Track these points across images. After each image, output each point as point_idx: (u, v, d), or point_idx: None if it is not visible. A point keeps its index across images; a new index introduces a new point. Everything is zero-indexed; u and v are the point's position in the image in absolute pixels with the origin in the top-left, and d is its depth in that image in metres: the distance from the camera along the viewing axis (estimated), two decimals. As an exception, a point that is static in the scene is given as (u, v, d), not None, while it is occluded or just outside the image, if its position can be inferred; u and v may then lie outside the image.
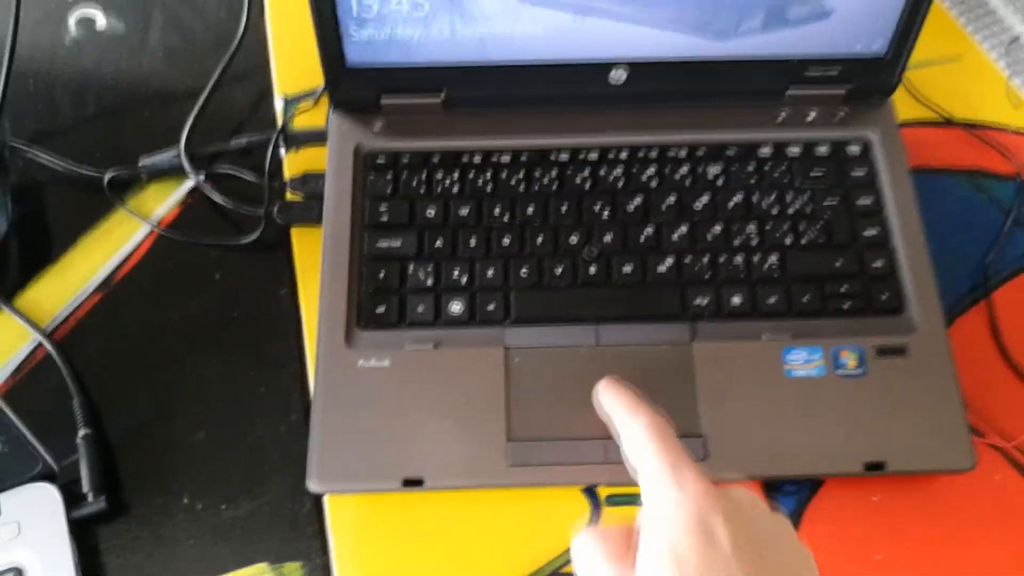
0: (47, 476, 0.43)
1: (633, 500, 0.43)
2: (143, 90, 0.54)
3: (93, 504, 0.42)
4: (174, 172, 0.50)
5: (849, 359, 0.44)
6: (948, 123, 0.54)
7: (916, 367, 0.44)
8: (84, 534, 0.42)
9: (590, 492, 0.44)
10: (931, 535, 0.43)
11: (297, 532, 0.43)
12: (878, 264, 0.46)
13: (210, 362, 0.46)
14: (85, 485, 0.43)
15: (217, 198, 0.49)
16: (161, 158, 0.50)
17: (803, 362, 0.44)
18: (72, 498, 0.42)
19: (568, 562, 0.42)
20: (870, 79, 0.49)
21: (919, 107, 0.54)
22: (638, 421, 0.35)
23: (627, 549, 0.33)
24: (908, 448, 0.42)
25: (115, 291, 0.48)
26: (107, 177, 0.50)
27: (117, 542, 0.42)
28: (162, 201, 0.50)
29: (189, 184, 0.50)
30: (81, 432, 0.44)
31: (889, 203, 0.48)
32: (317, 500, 0.43)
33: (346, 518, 0.43)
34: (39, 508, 0.42)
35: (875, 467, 0.42)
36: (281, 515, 0.43)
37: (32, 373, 0.46)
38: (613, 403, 0.38)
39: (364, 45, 0.46)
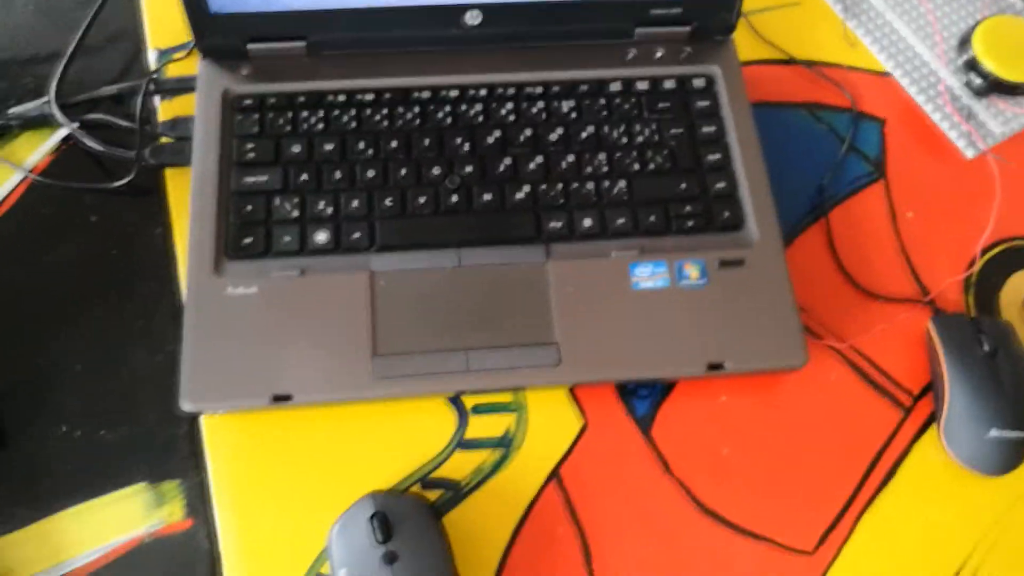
0: (-80, 412, 0.44)
1: (496, 408, 0.46)
2: (11, 45, 0.55)
3: (-32, 437, 0.44)
4: (46, 121, 0.51)
5: (692, 271, 0.48)
6: (790, 61, 0.58)
7: (754, 277, 0.48)
8: (-40, 467, 0.43)
9: (456, 402, 0.46)
10: (774, 430, 0.47)
11: (174, 453, 0.45)
12: (720, 185, 0.50)
13: (87, 300, 0.48)
14: (-40, 418, 0.44)
15: (90, 143, 0.50)
16: (30, 106, 0.51)
17: (649, 275, 0.47)
18: (-53, 432, 0.44)
19: (435, 468, 0.45)
20: (711, 18, 0.53)
21: (764, 47, 0.58)
22: None
23: None
24: (746, 349, 0.46)
25: (-11, 236, 0.49)
26: (-23, 128, 0.51)
27: (-6, 472, 0.44)
28: (34, 150, 0.51)
29: (62, 132, 0.52)
30: (-45, 369, 0.45)
31: (731, 131, 0.52)
32: (193, 422, 0.45)
33: (221, 437, 0.45)
34: (-88, 442, 0.43)
35: (716, 367, 0.45)
36: (158, 439, 0.45)
37: (-95, 318, 0.47)
38: None
39: (226, -9, 0.48)
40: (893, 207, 0.54)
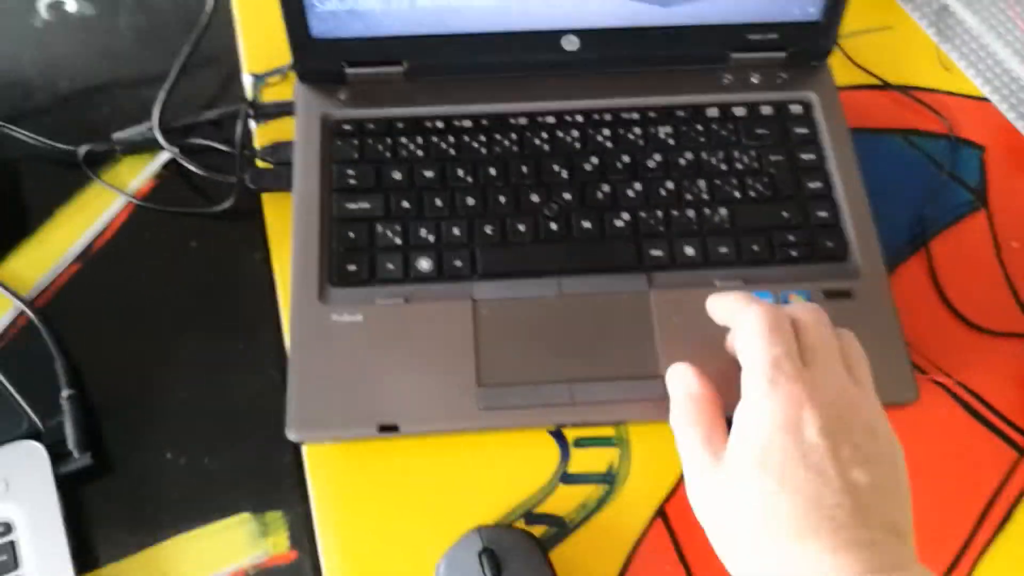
0: (33, 435, 0.45)
1: (599, 442, 0.46)
2: (114, 70, 0.55)
3: (78, 460, 0.44)
4: (147, 146, 0.52)
5: (797, 302, 0.47)
6: (885, 86, 0.57)
7: (860, 309, 0.47)
8: (70, 490, 0.43)
9: (558, 435, 0.46)
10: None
11: (278, 482, 0.45)
12: (822, 214, 0.49)
13: (189, 324, 0.48)
14: (70, 442, 0.44)
15: (191, 167, 0.51)
16: (134, 131, 0.51)
17: (753, 305, 0.46)
18: (58, 456, 0.44)
19: (539, 502, 0.44)
20: (807, 43, 0.52)
21: (857, 73, 0.57)
22: (753, 310, 0.37)
23: (721, 433, 0.36)
24: (854, 383, 0.45)
25: (94, 260, 0.50)
26: (82, 152, 0.51)
27: (102, 497, 0.44)
28: (136, 174, 0.52)
29: (163, 157, 0.52)
30: (65, 393, 0.45)
31: (830, 158, 0.51)
32: (296, 451, 0.45)
33: (325, 467, 0.44)
34: (26, 465, 0.43)
35: (824, 402, 0.44)
36: (262, 467, 0.45)
37: (15, 340, 0.47)
38: (725, 301, 0.40)
39: (328, 17, 0.48)
40: (996, 237, 0.52)
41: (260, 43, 0.56)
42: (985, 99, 0.57)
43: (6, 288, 0.48)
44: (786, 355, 0.36)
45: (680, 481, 0.45)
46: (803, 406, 0.34)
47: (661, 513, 0.44)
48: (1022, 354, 0.49)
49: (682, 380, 0.40)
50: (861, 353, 0.39)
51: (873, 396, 0.37)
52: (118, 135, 0.51)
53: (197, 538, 0.43)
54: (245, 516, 0.44)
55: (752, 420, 0.35)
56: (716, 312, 0.41)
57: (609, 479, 0.45)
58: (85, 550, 0.43)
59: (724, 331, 0.45)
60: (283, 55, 0.50)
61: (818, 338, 0.37)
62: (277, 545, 0.43)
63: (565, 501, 0.44)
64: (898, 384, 0.45)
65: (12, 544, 0.42)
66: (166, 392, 0.46)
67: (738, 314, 0.38)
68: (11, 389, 0.46)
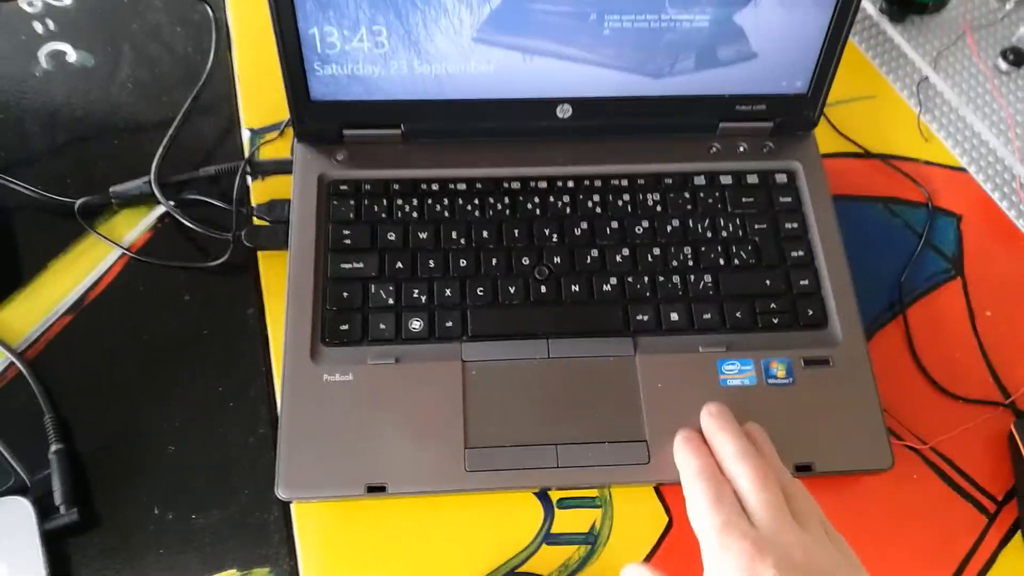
0: (20, 490, 0.45)
1: (582, 503, 0.47)
2: (113, 121, 0.56)
3: (65, 516, 0.44)
4: (144, 199, 0.52)
5: (778, 369, 0.48)
6: (866, 155, 0.59)
7: (839, 377, 0.48)
8: (57, 546, 0.44)
9: (543, 496, 0.47)
10: (857, 529, 0.47)
11: (265, 539, 0.45)
12: (804, 283, 0.51)
13: (180, 379, 0.48)
14: (57, 498, 0.44)
15: (187, 222, 0.51)
16: (131, 185, 0.52)
17: (737, 372, 0.48)
18: (45, 511, 0.44)
19: (523, 562, 0.45)
20: (794, 115, 0.54)
21: (840, 141, 0.59)
22: (697, 485, 0.40)
23: None
24: (833, 450, 0.46)
25: (86, 312, 0.50)
26: (78, 204, 0.52)
27: (89, 553, 0.44)
28: (132, 227, 0.53)
29: (159, 211, 0.53)
30: (53, 447, 0.45)
31: (813, 227, 0.52)
32: (284, 508, 0.46)
33: (312, 524, 0.45)
34: (12, 520, 0.43)
35: (804, 468, 0.46)
36: (249, 523, 0.45)
37: (3, 391, 0.48)
38: (682, 463, 0.42)
39: (328, 80, 0.49)
40: (971, 305, 0.54)
41: (259, 97, 0.57)
42: (963, 169, 0.59)
43: (-3, 339, 0.49)
44: (730, 520, 0.38)
45: (660, 542, 0.46)
46: (755, 561, 0.36)
47: None
48: (993, 420, 0.50)
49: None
50: (810, 502, 0.41)
51: (825, 540, 0.39)
52: (115, 188, 0.52)
53: (183, 595, 0.43)
54: (232, 573, 0.44)
55: None
56: (676, 464, 0.43)
57: (591, 539, 0.46)
58: (69, 606, 0.43)
59: (705, 397, 0.47)
60: (281, 109, 0.51)
61: (761, 498, 0.39)
62: (263, 603, 0.43)
63: (548, 560, 0.45)
64: (875, 452, 0.46)
65: (-5, 599, 0.42)
66: (155, 447, 0.47)
67: (686, 486, 0.41)
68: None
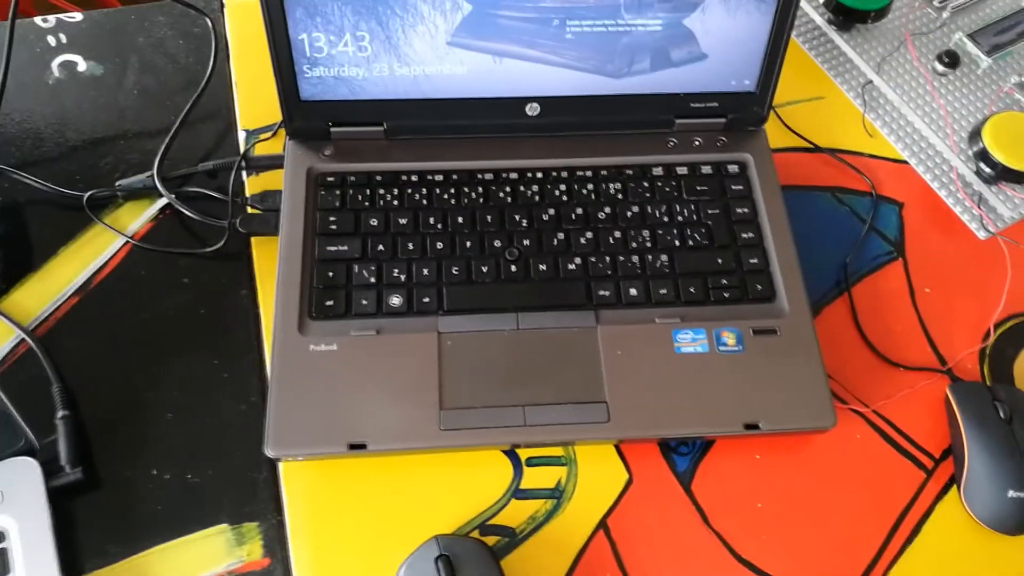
0: (29, 452, 0.49)
1: (549, 461, 0.51)
2: (119, 124, 0.61)
3: (70, 475, 0.48)
4: (147, 193, 0.57)
5: (729, 338, 0.52)
6: (816, 149, 0.64)
7: (786, 345, 0.52)
8: (62, 503, 0.47)
9: (512, 455, 0.50)
10: (804, 486, 0.51)
11: (255, 497, 0.49)
12: (753, 261, 0.55)
13: (178, 353, 0.52)
14: (63, 459, 0.48)
15: (187, 212, 0.56)
16: (135, 179, 0.57)
17: (690, 340, 0.52)
18: (51, 471, 0.48)
19: (493, 515, 0.48)
20: (744, 111, 0.59)
21: (791, 137, 0.64)
22: None
23: None
24: (780, 411, 0.50)
25: (92, 294, 0.54)
26: (86, 197, 0.56)
27: (91, 509, 0.48)
28: (136, 218, 0.57)
29: (161, 202, 0.57)
30: (60, 413, 0.49)
31: (763, 211, 0.57)
32: (273, 468, 0.49)
33: (298, 483, 0.49)
34: (20, 479, 0.47)
35: (751, 427, 0.49)
36: (240, 482, 0.49)
37: (15, 366, 0.52)
38: None
39: (316, 82, 0.54)
40: (912, 283, 0.58)
41: (254, 101, 0.62)
42: (904, 162, 0.64)
43: (8, 318, 0.53)
44: None
45: (621, 497, 0.49)
46: None
47: (603, 526, 0.48)
48: (932, 386, 0.54)
49: None
50: None
51: None
52: (120, 182, 0.57)
53: (178, 547, 0.47)
54: (223, 527, 0.48)
55: None
56: None
57: (557, 494, 0.49)
58: (72, 558, 0.46)
59: (660, 363, 0.51)
60: (274, 112, 0.55)
61: None
62: (252, 553, 0.47)
63: (517, 514, 0.48)
64: (818, 411, 0.50)
65: (4, 551, 0.45)
66: (155, 414, 0.51)
67: None
68: (11, 409, 0.50)
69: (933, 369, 0.55)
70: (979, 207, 0.61)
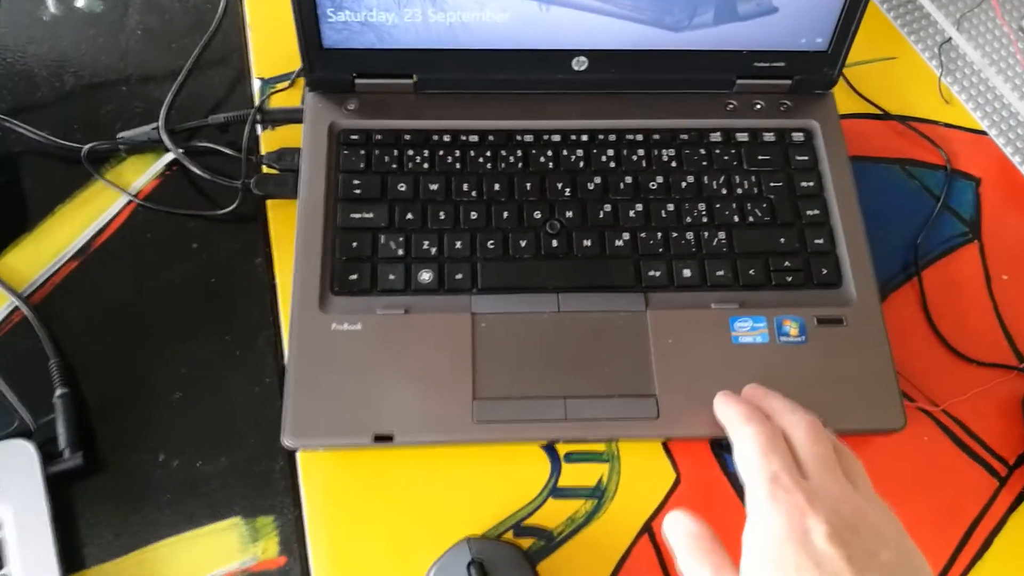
0: (24, 434, 0.45)
1: (589, 457, 0.46)
2: (121, 68, 0.55)
3: (69, 460, 0.44)
4: (152, 146, 0.52)
5: (791, 327, 0.47)
6: (885, 116, 0.58)
7: (852, 336, 0.47)
8: (61, 489, 0.43)
9: (550, 450, 0.46)
10: (866, 491, 0.47)
11: (270, 488, 0.45)
12: (818, 241, 0.50)
13: (187, 327, 0.48)
14: (61, 442, 0.44)
15: (196, 169, 0.51)
16: (139, 131, 0.52)
17: (749, 329, 0.47)
18: (49, 455, 0.44)
19: (528, 515, 0.44)
20: (813, 73, 0.53)
21: (859, 102, 0.58)
22: (748, 430, 0.38)
23: (728, 564, 0.36)
24: (845, 410, 0.46)
25: (92, 258, 0.50)
26: (85, 149, 0.51)
27: (93, 497, 0.44)
28: (140, 174, 0.52)
29: (168, 158, 0.52)
30: (58, 391, 0.45)
31: (829, 186, 0.51)
32: (290, 457, 0.45)
33: (318, 473, 0.45)
34: (15, 463, 0.43)
35: (814, 427, 0.45)
36: (255, 472, 0.45)
37: (8, 336, 0.47)
38: (727, 413, 0.41)
39: (340, 27, 0.48)
40: (988, 269, 0.53)
41: (270, 47, 0.57)
42: (983, 132, 0.58)
43: (1, 283, 0.48)
44: (783, 470, 0.36)
45: (667, 498, 0.45)
46: (806, 514, 0.34)
47: (647, 529, 0.45)
48: (1007, 384, 0.50)
49: (679, 523, 0.39)
50: (857, 462, 0.39)
51: (877, 500, 0.38)
52: (123, 134, 0.51)
53: (187, 541, 0.43)
54: (236, 520, 0.44)
55: (759, 537, 0.35)
56: (719, 419, 0.42)
57: (598, 494, 0.45)
58: (73, 551, 0.43)
59: (716, 354, 0.46)
60: (293, 60, 0.50)
61: (813, 451, 0.38)
62: (267, 550, 0.43)
63: (554, 514, 0.45)
64: (887, 412, 0.46)
65: (-1, 542, 0.42)
66: (161, 394, 0.46)
67: (735, 432, 0.39)
68: (3, 385, 0.46)
69: (1009, 366, 0.50)
70: (1065, 186, 0.56)
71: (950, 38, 0.61)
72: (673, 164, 0.51)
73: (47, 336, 0.47)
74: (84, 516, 0.43)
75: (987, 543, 0.46)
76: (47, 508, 0.42)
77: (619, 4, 0.49)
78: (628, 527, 0.45)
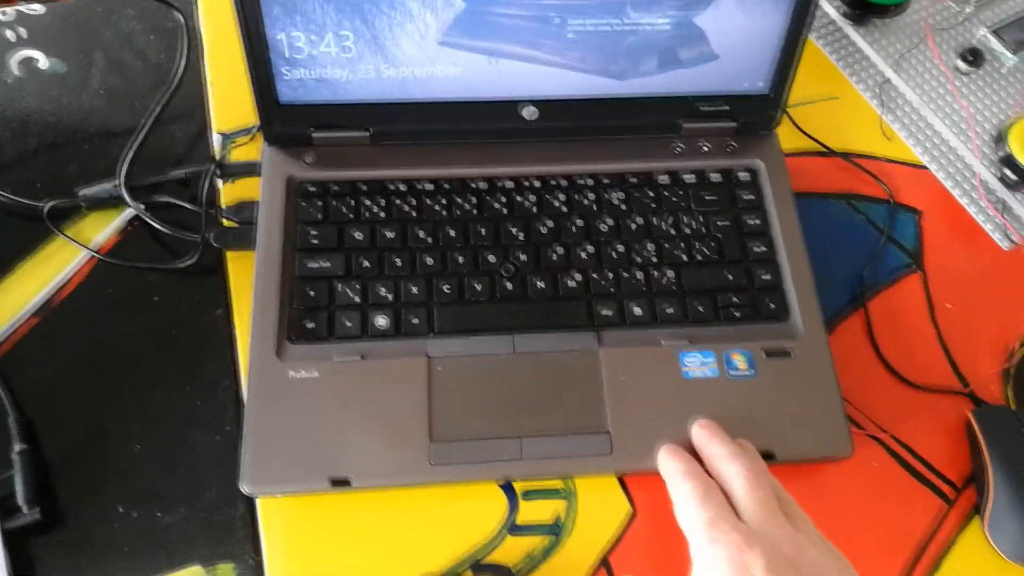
0: (-18, 489, 0.45)
1: (547, 494, 0.47)
2: (84, 127, 0.56)
3: (27, 515, 0.44)
4: (113, 202, 0.53)
5: (739, 361, 0.49)
6: (829, 153, 0.60)
7: (800, 368, 0.49)
8: (19, 545, 0.44)
9: (508, 488, 0.47)
10: (817, 517, 0.46)
11: (230, 535, 0.45)
12: (765, 277, 0.51)
13: (147, 379, 0.49)
14: (20, 498, 0.44)
15: (156, 224, 0.52)
16: (100, 188, 0.52)
17: (699, 364, 0.48)
18: (7, 511, 0.44)
19: (487, 553, 0.45)
20: (755, 114, 0.55)
21: (804, 140, 0.60)
22: (686, 486, 0.41)
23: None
24: (795, 439, 0.47)
25: (54, 314, 0.50)
26: (46, 207, 0.52)
27: (52, 551, 0.44)
28: (101, 230, 0.53)
29: (128, 213, 0.53)
30: (16, 447, 0.46)
31: (775, 223, 0.53)
32: (250, 505, 0.46)
33: (277, 520, 0.45)
34: (-26, 520, 0.43)
35: (767, 456, 0.46)
36: (215, 520, 0.45)
37: (-30, 392, 0.48)
38: (668, 469, 0.43)
39: (296, 84, 0.50)
40: (931, 298, 0.55)
41: (230, 102, 0.58)
42: (923, 167, 0.60)
43: (-38, 341, 0.49)
44: (718, 516, 0.38)
45: (624, 532, 0.46)
46: (744, 551, 0.36)
47: (604, 563, 0.45)
48: (953, 409, 0.51)
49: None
50: (799, 509, 0.41)
51: (820, 540, 0.39)
52: (84, 191, 0.52)
53: (147, 592, 0.43)
54: (196, 569, 0.44)
55: None
56: (661, 474, 0.44)
57: (556, 530, 0.46)
58: (33, 606, 0.43)
59: (667, 389, 0.47)
60: (252, 114, 0.51)
61: (753, 496, 0.40)
62: (228, 599, 0.44)
63: (512, 551, 0.45)
64: (834, 440, 0.47)
65: (-42, 599, 0.42)
66: (122, 446, 0.47)
67: (674, 489, 0.42)
68: (-37, 442, 0.46)
69: (954, 391, 0.52)
70: (1003, 216, 0.58)
71: (889, 78, 0.63)
72: (623, 207, 0.53)
73: (6, 393, 0.47)
74: (43, 570, 0.44)
75: (936, 565, 0.47)
76: (5, 563, 0.43)
77: (566, 55, 0.51)
78: (585, 561, 0.45)
